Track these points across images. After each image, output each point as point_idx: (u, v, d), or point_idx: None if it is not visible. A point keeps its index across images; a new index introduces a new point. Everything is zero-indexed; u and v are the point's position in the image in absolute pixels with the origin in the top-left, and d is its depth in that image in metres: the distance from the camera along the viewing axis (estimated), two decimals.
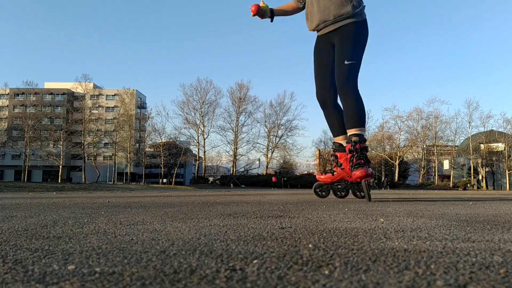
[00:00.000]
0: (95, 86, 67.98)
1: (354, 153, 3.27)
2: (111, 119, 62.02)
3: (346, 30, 3.41)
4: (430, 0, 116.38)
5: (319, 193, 3.93)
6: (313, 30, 3.65)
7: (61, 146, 50.56)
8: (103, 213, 2.19)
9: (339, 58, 3.40)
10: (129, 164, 55.03)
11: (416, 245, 1.04)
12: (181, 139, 56.10)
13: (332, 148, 3.85)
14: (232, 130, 54.46)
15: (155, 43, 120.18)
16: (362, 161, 3.24)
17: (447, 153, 53.26)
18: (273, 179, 45.97)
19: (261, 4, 3.73)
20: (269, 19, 3.82)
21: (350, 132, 3.37)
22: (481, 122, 47.62)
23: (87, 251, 0.97)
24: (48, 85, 70.51)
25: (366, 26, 3.48)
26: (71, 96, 68.48)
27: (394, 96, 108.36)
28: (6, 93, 64.43)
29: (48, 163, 57.28)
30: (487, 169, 43.78)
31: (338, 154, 3.69)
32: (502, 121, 52.65)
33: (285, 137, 55.76)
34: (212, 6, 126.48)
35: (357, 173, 3.19)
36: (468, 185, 43.16)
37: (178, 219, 1.78)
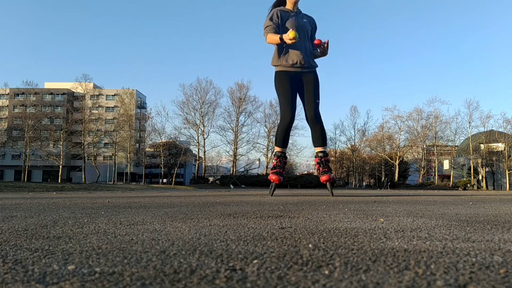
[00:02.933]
0: (95, 86, 67.94)
1: (321, 163, 4.53)
2: (111, 119, 61.97)
3: (315, 76, 4.60)
4: (430, 1, 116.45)
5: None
6: (288, 66, 4.49)
7: (61, 146, 50.49)
8: (103, 213, 2.19)
9: (311, 96, 4.53)
10: (129, 164, 55.01)
11: (416, 245, 1.04)
12: (181, 139, 56.05)
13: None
14: (232, 130, 54.37)
15: (155, 43, 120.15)
16: (326, 169, 4.52)
17: (447, 153, 53.21)
18: None
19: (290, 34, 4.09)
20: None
21: (318, 149, 4.57)
22: (481, 122, 47.48)
23: (87, 251, 0.97)
24: (48, 85, 70.47)
25: None
26: (71, 96, 68.44)
27: (394, 96, 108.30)
28: (6, 93, 64.35)
29: (48, 163, 57.25)
30: (487, 169, 43.74)
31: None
32: (502, 121, 52.54)
33: None
34: (212, 6, 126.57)
35: (323, 177, 4.53)
36: (468, 185, 43.11)
37: (178, 219, 1.78)
